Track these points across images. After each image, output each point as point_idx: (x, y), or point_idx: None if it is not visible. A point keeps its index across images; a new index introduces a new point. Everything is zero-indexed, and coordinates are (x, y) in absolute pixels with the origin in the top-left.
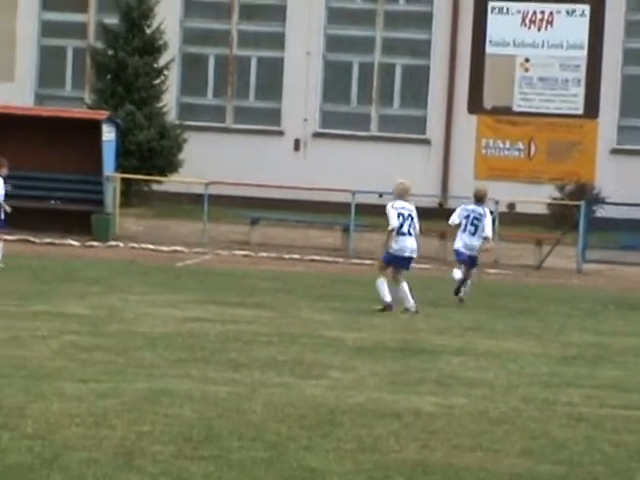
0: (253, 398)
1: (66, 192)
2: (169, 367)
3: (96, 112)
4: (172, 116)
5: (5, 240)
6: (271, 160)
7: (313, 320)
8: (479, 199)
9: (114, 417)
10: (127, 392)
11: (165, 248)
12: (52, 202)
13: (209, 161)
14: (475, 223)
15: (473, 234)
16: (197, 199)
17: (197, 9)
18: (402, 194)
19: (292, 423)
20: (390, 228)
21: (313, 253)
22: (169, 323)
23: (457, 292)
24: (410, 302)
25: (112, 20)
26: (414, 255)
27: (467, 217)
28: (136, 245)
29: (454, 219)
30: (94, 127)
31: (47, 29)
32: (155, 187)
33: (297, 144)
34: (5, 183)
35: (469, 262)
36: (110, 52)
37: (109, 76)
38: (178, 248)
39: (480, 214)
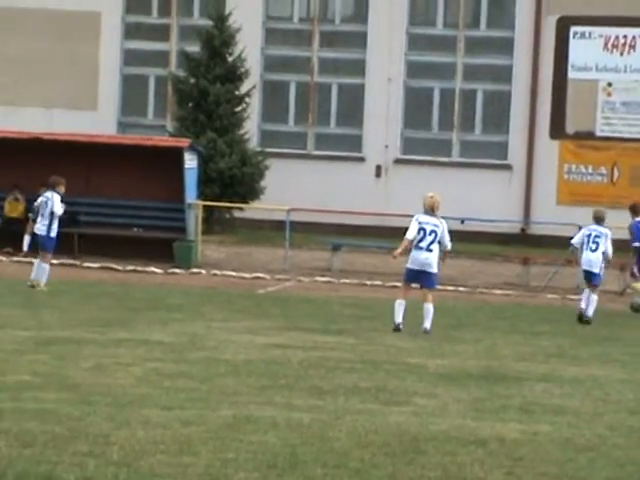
0: (337, 425)
1: (149, 220)
2: (253, 394)
3: (178, 140)
4: (253, 143)
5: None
6: (352, 186)
7: (396, 347)
8: (599, 219)
9: (199, 444)
10: (211, 419)
11: (247, 275)
12: (135, 230)
13: (290, 188)
14: (596, 241)
15: (594, 251)
16: (279, 225)
17: (278, 36)
18: (430, 208)
19: (376, 450)
20: (405, 239)
21: (395, 279)
22: (252, 350)
23: (581, 318)
24: (426, 323)
25: (194, 48)
26: (428, 269)
27: (588, 236)
28: (218, 272)
29: (576, 241)
30: (176, 155)
31: (129, 58)
32: (237, 214)
33: (378, 170)
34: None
35: (590, 279)
36: (192, 80)
37: (191, 104)
38: (260, 275)
39: (600, 233)
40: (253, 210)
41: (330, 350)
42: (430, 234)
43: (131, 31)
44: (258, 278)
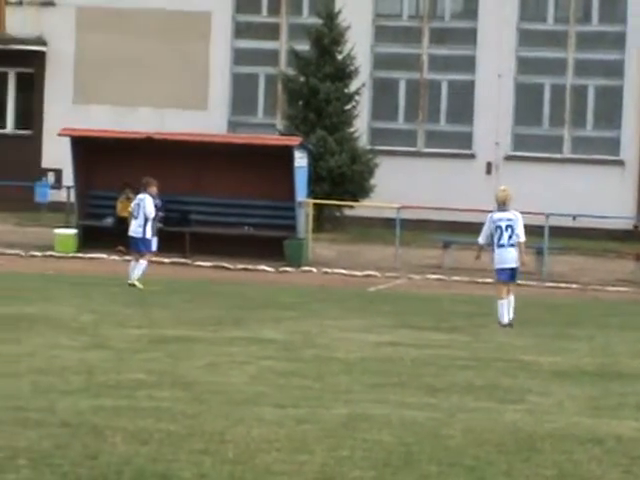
0: (451, 423)
1: (259, 218)
2: (366, 392)
3: (288, 138)
4: (363, 141)
5: (161, 263)
6: (463, 183)
7: (508, 344)
8: None
9: (313, 442)
10: (325, 417)
11: (358, 273)
12: (246, 228)
13: (400, 185)
14: None
15: None
16: (389, 223)
17: (388, 34)
18: (503, 202)
19: (491, 448)
20: (478, 242)
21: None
22: (364, 348)
23: None
24: (509, 315)
25: (303, 47)
26: (515, 265)
27: None
28: (329, 270)
29: None
30: (286, 153)
31: (239, 57)
32: (347, 212)
33: (489, 167)
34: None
35: None
36: (302, 78)
37: (301, 102)
38: (371, 273)
39: None
40: (363, 208)
41: (442, 348)
42: (506, 230)
43: (241, 30)
44: (369, 276)
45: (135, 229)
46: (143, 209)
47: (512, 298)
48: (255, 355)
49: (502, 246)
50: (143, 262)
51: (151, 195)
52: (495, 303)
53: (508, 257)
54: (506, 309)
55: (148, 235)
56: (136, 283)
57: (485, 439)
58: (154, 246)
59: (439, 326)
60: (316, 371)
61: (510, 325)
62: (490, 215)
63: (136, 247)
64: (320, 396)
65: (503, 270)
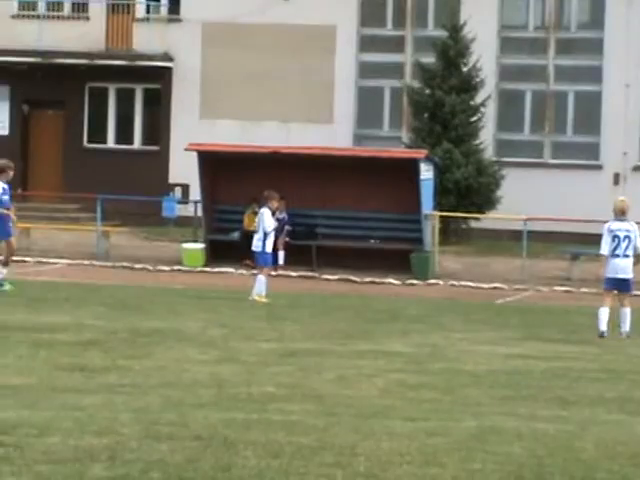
0: (583, 436)
1: (385, 231)
2: (496, 405)
3: (414, 151)
4: (489, 153)
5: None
6: (590, 194)
7: (639, 356)
8: None
9: (444, 455)
10: (455, 430)
11: (485, 285)
12: (372, 241)
13: (527, 197)
14: None
15: None
16: (516, 235)
17: (513, 45)
18: (621, 212)
19: (624, 461)
20: (601, 254)
21: (636, 288)
22: (493, 360)
23: None
24: (625, 327)
25: (429, 59)
26: (626, 276)
27: None
28: (456, 283)
29: None
30: (412, 166)
31: (364, 70)
32: (473, 224)
33: (616, 178)
34: (273, 216)
35: None
36: (427, 91)
37: (426, 115)
38: (498, 285)
39: None
40: (490, 220)
41: (572, 360)
42: (624, 240)
43: (366, 43)
44: (496, 288)
45: (255, 243)
46: (262, 223)
47: (628, 310)
48: (384, 368)
49: (617, 256)
50: (261, 277)
51: (270, 209)
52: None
53: (621, 267)
54: (606, 317)
55: (267, 249)
56: (256, 298)
57: (618, 452)
58: (281, 259)
59: (568, 338)
60: (445, 384)
61: (626, 336)
62: (607, 225)
63: (258, 261)
64: (450, 409)
65: (612, 279)
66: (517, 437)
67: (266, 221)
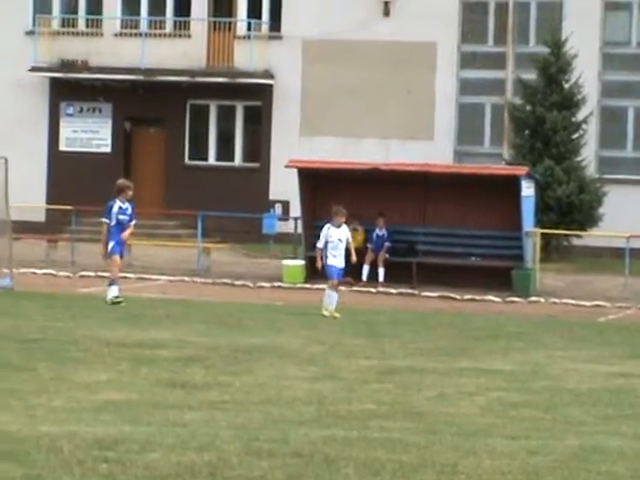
0: None
1: (486, 248)
2: (598, 424)
3: (515, 168)
4: (591, 170)
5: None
6: None
7: None
8: None
9: (546, 474)
10: (557, 449)
11: (586, 303)
12: (472, 259)
13: (630, 214)
14: None
15: None
16: (618, 253)
17: (615, 62)
18: None
19: None
20: None
21: None
22: (595, 379)
23: None
24: None
25: (530, 75)
26: None
27: None
28: (557, 300)
29: None
30: (513, 183)
31: (465, 86)
32: (575, 241)
33: None
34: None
35: None
36: (528, 107)
37: (527, 131)
38: (600, 303)
39: None
40: (591, 237)
41: None
42: None
43: (467, 60)
44: (598, 306)
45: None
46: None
47: None
48: (484, 386)
49: None
50: (327, 291)
51: (334, 225)
52: None
53: None
54: None
55: (329, 262)
56: (324, 313)
57: None
58: (381, 276)
59: None
60: (547, 402)
61: None
62: None
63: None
64: (551, 427)
65: None
66: (620, 456)
67: (321, 236)
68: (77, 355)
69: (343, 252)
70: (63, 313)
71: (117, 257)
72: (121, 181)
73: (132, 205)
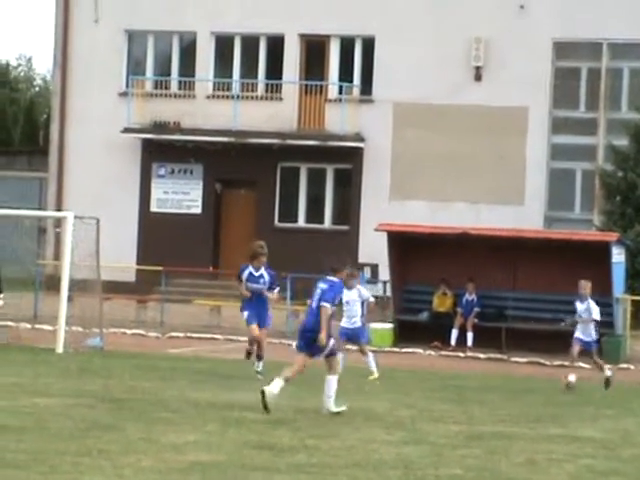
0: None
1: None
2: None
3: (605, 234)
4: None
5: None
6: None
7: None
8: None
9: None
10: None
11: None
12: (562, 324)
13: None
14: None
15: None
16: None
17: None
18: None
19: None
20: None
21: None
22: None
23: None
24: None
25: (621, 142)
26: None
27: None
28: None
29: None
30: (604, 249)
31: (556, 152)
32: None
33: None
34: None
35: None
36: (619, 174)
37: (618, 197)
38: None
39: None
40: None
41: None
42: None
43: (558, 125)
44: None
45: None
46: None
47: None
48: (574, 453)
49: None
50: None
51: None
52: None
53: None
54: None
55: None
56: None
57: None
58: (469, 341)
59: None
60: (637, 471)
61: None
62: None
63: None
64: None
65: None
66: None
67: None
68: (165, 416)
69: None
70: (152, 373)
71: (252, 326)
72: (254, 245)
73: (271, 273)
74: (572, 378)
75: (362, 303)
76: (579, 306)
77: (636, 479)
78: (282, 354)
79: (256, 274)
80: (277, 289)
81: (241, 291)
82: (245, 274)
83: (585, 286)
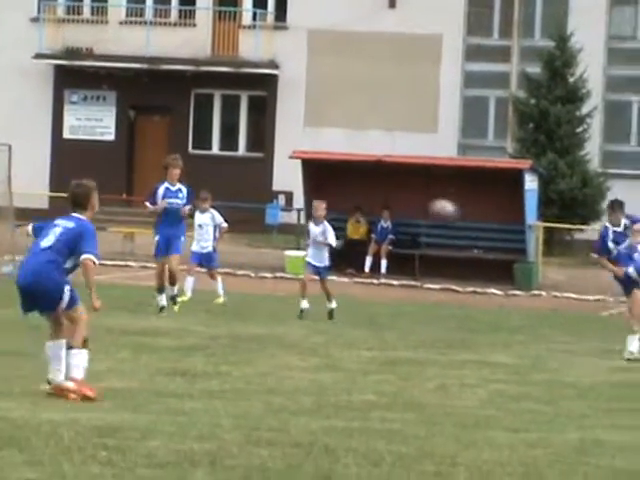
0: None
1: (488, 241)
2: (599, 417)
3: (518, 161)
4: (594, 164)
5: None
6: None
7: None
8: None
9: (545, 467)
10: (557, 442)
11: (589, 297)
12: (475, 251)
13: (633, 209)
14: None
15: None
16: None
17: (621, 56)
18: None
19: None
20: None
21: None
22: (597, 373)
23: None
24: None
25: (535, 69)
26: None
27: None
28: (559, 294)
29: None
30: (517, 176)
31: (470, 79)
32: (577, 236)
33: None
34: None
35: None
36: (532, 101)
37: (531, 125)
38: (602, 297)
39: None
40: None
41: None
42: None
43: (472, 53)
44: (600, 301)
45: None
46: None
47: None
48: (485, 378)
49: None
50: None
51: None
52: None
53: None
54: None
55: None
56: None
57: None
58: (383, 268)
59: None
60: (547, 395)
61: None
62: None
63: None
64: (552, 420)
65: None
66: (620, 450)
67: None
68: None
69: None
70: None
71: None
72: (168, 157)
73: (188, 189)
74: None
75: (215, 227)
76: (314, 229)
77: (546, 403)
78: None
79: (173, 188)
80: (189, 207)
81: (155, 209)
82: (161, 190)
83: (319, 207)
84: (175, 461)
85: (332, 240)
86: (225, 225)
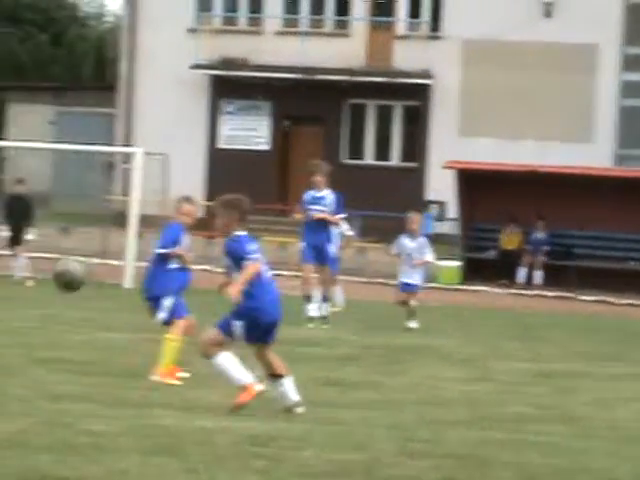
0: None
1: None
2: None
3: None
4: None
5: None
6: None
7: None
8: None
9: None
10: None
11: None
12: (632, 263)
13: None
14: None
15: None
16: None
17: None
18: None
19: None
20: None
21: None
22: None
23: None
24: None
25: None
26: None
27: None
28: None
29: None
30: None
31: (627, 89)
32: None
33: None
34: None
35: None
36: None
37: None
38: None
39: None
40: None
41: None
42: None
43: (630, 62)
44: None
45: None
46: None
47: None
48: None
49: None
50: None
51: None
52: None
53: None
54: None
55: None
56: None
57: None
58: (538, 279)
59: None
60: None
61: None
62: None
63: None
64: None
65: None
66: None
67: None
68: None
69: None
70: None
71: (307, 266)
72: (309, 164)
73: (338, 196)
74: None
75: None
76: (409, 244)
77: None
78: (347, 291)
79: (317, 195)
80: (342, 216)
81: (294, 215)
82: (306, 197)
83: (414, 220)
84: (329, 471)
85: (430, 257)
86: (351, 234)
